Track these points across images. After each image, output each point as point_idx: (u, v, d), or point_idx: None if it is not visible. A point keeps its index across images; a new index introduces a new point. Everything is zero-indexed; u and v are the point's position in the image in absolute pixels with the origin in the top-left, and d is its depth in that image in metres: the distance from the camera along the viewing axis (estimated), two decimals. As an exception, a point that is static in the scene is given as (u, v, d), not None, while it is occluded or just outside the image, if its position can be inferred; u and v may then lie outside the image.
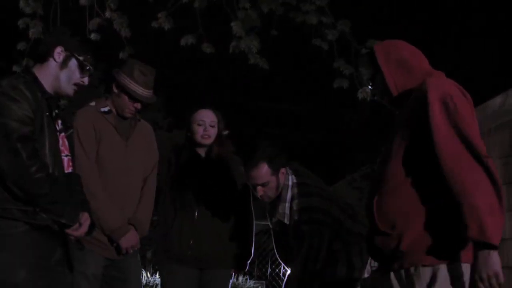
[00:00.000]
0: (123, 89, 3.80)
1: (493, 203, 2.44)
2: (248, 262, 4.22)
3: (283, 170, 3.71)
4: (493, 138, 5.28)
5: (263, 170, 3.64)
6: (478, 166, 2.49)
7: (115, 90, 3.85)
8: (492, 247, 2.40)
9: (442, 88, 2.60)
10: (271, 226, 3.95)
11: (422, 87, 2.64)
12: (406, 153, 2.64)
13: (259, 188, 3.68)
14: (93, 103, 3.92)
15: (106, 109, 3.86)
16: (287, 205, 3.68)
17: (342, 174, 14.12)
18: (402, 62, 2.78)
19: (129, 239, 3.74)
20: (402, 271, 2.62)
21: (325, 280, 3.62)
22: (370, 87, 2.93)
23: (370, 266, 3.68)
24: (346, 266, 3.64)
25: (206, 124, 4.10)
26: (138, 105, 3.85)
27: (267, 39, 6.34)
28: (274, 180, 3.68)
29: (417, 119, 2.62)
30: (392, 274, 2.66)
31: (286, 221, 3.70)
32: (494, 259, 2.40)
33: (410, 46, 2.86)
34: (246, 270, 4.44)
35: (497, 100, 5.37)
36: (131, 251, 3.79)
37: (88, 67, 3.08)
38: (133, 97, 3.80)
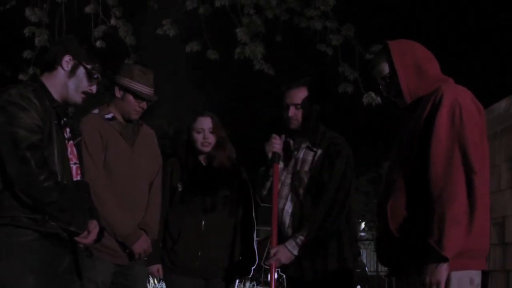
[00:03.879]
0: (128, 90, 3.82)
1: (461, 216, 2.50)
2: (253, 268, 4.21)
3: (316, 106, 3.79)
4: (498, 141, 5.28)
5: (303, 92, 3.75)
6: (464, 178, 2.53)
7: (118, 94, 3.86)
8: (444, 259, 2.50)
9: (455, 96, 2.64)
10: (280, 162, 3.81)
11: (437, 92, 2.66)
12: (418, 158, 2.65)
13: (292, 107, 3.75)
14: (96, 111, 3.93)
15: (110, 115, 3.87)
16: (319, 136, 3.76)
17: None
18: (417, 66, 2.77)
19: (142, 244, 3.76)
20: (416, 276, 2.62)
21: (317, 274, 3.62)
22: (382, 85, 2.88)
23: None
24: (336, 258, 3.63)
25: (206, 131, 4.08)
26: (144, 105, 3.86)
27: (272, 44, 6.36)
28: (307, 107, 3.76)
29: (428, 123, 2.63)
30: (408, 278, 2.68)
31: (315, 148, 3.74)
32: (441, 270, 2.52)
33: (425, 49, 2.85)
34: (250, 276, 4.43)
35: (503, 104, 5.38)
36: (144, 255, 3.81)
37: (96, 76, 3.09)
38: (139, 96, 3.82)
